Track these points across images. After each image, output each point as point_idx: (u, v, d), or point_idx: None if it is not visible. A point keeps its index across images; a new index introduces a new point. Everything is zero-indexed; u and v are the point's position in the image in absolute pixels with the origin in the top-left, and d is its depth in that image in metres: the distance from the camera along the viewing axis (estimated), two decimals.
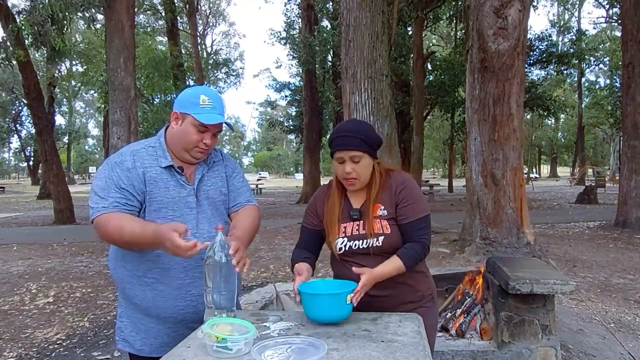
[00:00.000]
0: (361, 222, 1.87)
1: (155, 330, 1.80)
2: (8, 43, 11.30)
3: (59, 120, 47.27)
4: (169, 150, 1.79)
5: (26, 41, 11.49)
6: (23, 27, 9.54)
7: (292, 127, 28.19)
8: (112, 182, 1.68)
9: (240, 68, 31.71)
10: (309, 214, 2.01)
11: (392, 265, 1.78)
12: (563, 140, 51.15)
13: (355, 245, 1.86)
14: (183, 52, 24.65)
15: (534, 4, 19.59)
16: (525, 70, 12.33)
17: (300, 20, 22.29)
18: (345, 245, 1.88)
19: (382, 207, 1.85)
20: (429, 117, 26.75)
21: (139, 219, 1.69)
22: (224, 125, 1.84)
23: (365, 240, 1.85)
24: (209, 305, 1.59)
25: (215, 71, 30.86)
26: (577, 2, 37.08)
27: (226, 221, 1.90)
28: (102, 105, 23.36)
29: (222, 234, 1.59)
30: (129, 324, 1.84)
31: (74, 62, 28.88)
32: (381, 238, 1.82)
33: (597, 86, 36.30)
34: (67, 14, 9.28)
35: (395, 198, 1.85)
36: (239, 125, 75.02)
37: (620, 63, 12.42)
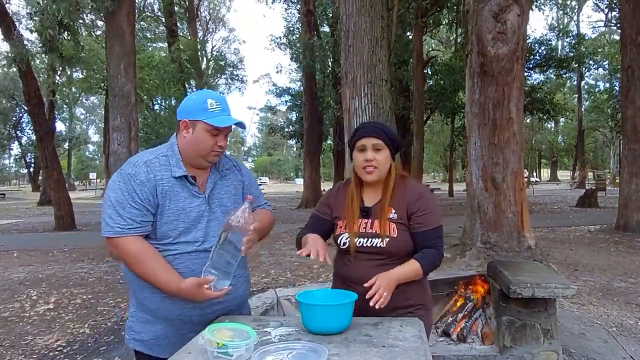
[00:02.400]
0: (369, 220, 1.90)
1: (163, 331, 1.81)
2: (11, 50, 11.33)
3: (60, 126, 47.44)
4: (182, 159, 1.79)
5: (28, 47, 11.51)
6: (35, 31, 9.56)
7: (292, 133, 28.20)
8: (128, 196, 1.69)
9: (244, 76, 31.74)
10: (322, 203, 2.07)
11: (410, 267, 1.82)
12: (563, 144, 51.16)
13: (360, 242, 1.88)
14: (183, 57, 24.72)
15: (540, 4, 19.62)
16: (525, 74, 12.35)
17: (300, 25, 22.36)
18: (348, 241, 1.90)
19: (393, 211, 1.88)
20: (429, 121, 26.76)
21: (162, 259, 1.71)
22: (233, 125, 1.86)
23: (370, 239, 1.87)
24: (210, 260, 1.67)
25: (217, 77, 30.94)
26: (576, 6, 37.18)
27: None
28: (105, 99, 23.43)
29: (249, 204, 1.68)
30: (139, 324, 1.85)
31: (74, 69, 28.93)
32: (386, 240, 1.85)
33: (596, 89, 36.34)
34: (72, 21, 9.31)
35: (411, 207, 1.88)
36: (239, 131, 75.06)
37: (619, 66, 12.44)
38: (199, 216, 1.77)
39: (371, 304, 1.66)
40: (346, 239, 1.91)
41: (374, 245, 1.86)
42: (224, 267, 1.67)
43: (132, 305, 1.90)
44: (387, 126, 1.95)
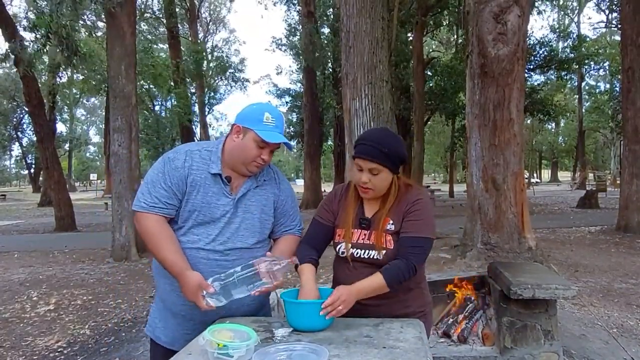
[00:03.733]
0: (368, 232, 1.86)
1: (172, 322, 1.87)
2: (11, 53, 11.35)
3: (60, 127, 47.50)
4: (222, 159, 1.84)
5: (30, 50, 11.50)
6: (40, 27, 9.53)
7: (292, 133, 28.24)
8: (162, 178, 1.79)
9: (244, 79, 31.69)
10: (324, 208, 2.00)
11: (373, 282, 1.73)
12: (563, 145, 51.09)
13: (357, 253, 1.86)
14: (184, 58, 24.77)
15: (540, 5, 19.58)
16: (526, 75, 12.33)
17: (301, 27, 22.39)
18: (347, 250, 1.88)
19: (391, 222, 1.84)
20: (429, 122, 26.76)
21: (176, 243, 1.77)
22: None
23: (367, 251, 1.84)
24: (224, 275, 1.67)
25: (217, 78, 30.96)
26: (577, 7, 37.17)
27: (263, 239, 1.92)
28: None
29: (288, 264, 1.70)
30: (155, 310, 1.94)
31: (75, 70, 28.92)
32: (383, 252, 1.81)
33: (597, 91, 36.30)
34: (70, 21, 9.30)
35: (404, 213, 1.83)
36: None
37: (620, 67, 12.43)
38: (221, 215, 1.80)
39: (320, 313, 1.62)
40: (344, 248, 1.88)
41: (370, 257, 1.83)
42: (227, 293, 1.67)
43: (156, 292, 1.98)
44: (389, 141, 1.81)
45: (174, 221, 1.82)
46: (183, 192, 1.79)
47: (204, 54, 28.37)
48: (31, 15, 10.97)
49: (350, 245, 1.87)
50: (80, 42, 10.20)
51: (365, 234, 1.86)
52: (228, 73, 30.32)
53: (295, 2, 23.48)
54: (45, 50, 10.57)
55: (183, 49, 25.95)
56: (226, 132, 1.93)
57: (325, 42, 21.37)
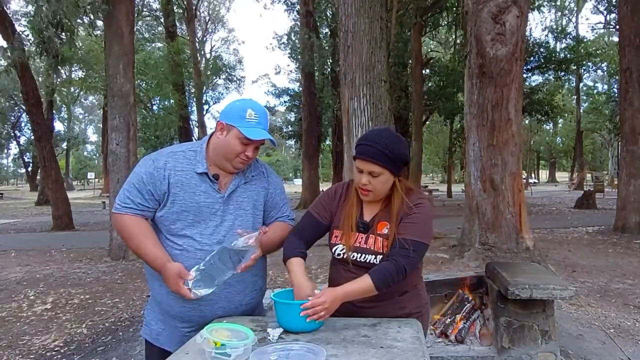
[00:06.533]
0: (365, 235, 1.84)
1: (169, 324, 1.86)
2: (8, 52, 11.33)
3: (58, 126, 47.40)
4: (208, 158, 1.83)
5: (27, 48, 11.49)
6: (29, 33, 9.51)
7: (291, 133, 28.24)
8: (138, 177, 1.78)
9: (242, 77, 31.74)
10: (322, 205, 1.96)
11: (361, 285, 1.70)
12: (562, 145, 51.23)
13: (353, 256, 1.84)
14: (180, 57, 24.75)
15: (540, 4, 19.60)
16: (524, 75, 12.34)
17: (300, 26, 22.39)
18: (343, 253, 1.86)
19: (388, 226, 1.81)
20: (428, 122, 26.78)
21: (154, 237, 1.78)
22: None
23: (364, 255, 1.82)
24: (203, 262, 1.69)
25: (215, 77, 30.95)
26: (575, 8, 37.22)
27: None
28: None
29: (260, 234, 1.72)
30: (151, 312, 1.93)
31: (73, 69, 28.87)
32: (379, 257, 1.79)
33: (595, 91, 36.38)
34: (69, 20, 9.26)
35: (402, 214, 1.80)
36: None
37: (618, 68, 12.46)
38: (210, 213, 1.79)
39: (301, 314, 1.60)
40: (341, 250, 1.86)
41: (367, 261, 1.81)
42: (210, 276, 1.67)
43: (151, 293, 1.98)
44: (392, 143, 1.77)
45: (164, 224, 1.79)
46: (163, 193, 1.77)
47: (202, 52, 28.33)
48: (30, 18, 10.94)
49: (345, 247, 1.85)
50: (64, 46, 10.09)
51: (362, 238, 1.84)
52: (224, 73, 30.33)
53: (294, 1, 23.47)
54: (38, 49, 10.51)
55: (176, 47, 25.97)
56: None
57: (324, 41, 21.38)
